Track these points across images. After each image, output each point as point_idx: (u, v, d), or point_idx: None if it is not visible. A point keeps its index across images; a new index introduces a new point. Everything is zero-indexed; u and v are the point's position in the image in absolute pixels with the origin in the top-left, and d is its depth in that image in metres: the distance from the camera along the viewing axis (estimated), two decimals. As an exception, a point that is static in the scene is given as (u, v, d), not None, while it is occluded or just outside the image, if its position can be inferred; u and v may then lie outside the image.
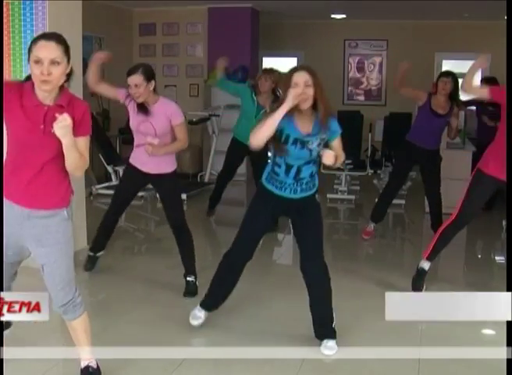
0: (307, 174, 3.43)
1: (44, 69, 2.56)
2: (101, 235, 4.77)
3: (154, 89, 4.24)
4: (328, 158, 3.28)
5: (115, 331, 3.78)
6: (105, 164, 8.06)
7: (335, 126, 3.41)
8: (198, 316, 3.80)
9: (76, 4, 4.98)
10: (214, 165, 9.00)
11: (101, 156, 8.08)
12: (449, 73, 5.60)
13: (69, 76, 2.72)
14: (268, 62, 11.75)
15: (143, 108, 4.24)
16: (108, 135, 8.67)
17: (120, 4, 9.34)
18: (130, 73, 4.21)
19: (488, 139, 4.29)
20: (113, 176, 8.02)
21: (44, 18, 4.59)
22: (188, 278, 4.44)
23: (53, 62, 2.57)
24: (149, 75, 4.21)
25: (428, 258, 4.46)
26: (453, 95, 5.49)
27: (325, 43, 11.08)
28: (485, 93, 4.25)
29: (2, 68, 4.58)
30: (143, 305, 4.25)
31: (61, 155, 2.68)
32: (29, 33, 4.62)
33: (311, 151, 3.35)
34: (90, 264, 4.81)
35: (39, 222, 2.77)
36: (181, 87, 9.84)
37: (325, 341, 3.55)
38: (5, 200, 2.76)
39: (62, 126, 2.53)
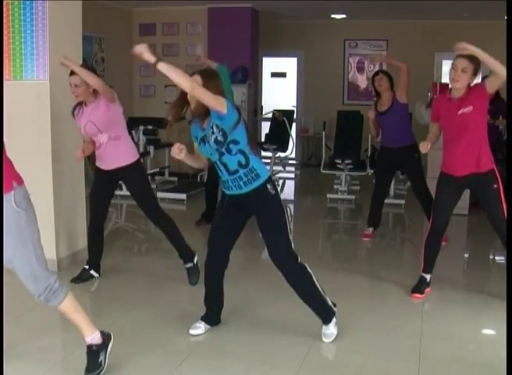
0: (235, 165, 3.37)
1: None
2: (92, 250, 4.69)
3: (94, 91, 4.26)
4: (138, 47, 3.25)
5: (115, 330, 3.76)
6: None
7: (214, 113, 3.27)
8: (197, 326, 3.78)
9: (76, 4, 4.98)
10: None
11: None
12: (378, 72, 5.87)
13: None
14: (268, 62, 11.78)
15: (77, 105, 4.35)
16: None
17: (120, 4, 9.34)
18: (71, 73, 4.23)
19: (490, 138, 4.29)
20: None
21: (44, 18, 4.59)
22: (186, 265, 4.52)
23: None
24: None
25: (425, 271, 4.50)
26: (392, 87, 5.69)
27: (325, 43, 11.09)
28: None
29: (2, 68, 4.58)
30: (143, 304, 4.25)
31: None
32: (29, 33, 4.62)
33: (208, 142, 3.33)
34: (79, 278, 4.64)
35: None
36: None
37: (323, 328, 3.63)
38: None
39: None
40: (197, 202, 7.67)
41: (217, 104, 3.21)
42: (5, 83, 4.36)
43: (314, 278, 3.56)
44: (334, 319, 3.65)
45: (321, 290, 3.59)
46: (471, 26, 9.98)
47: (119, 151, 4.37)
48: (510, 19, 3.99)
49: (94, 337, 3.07)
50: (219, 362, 3.43)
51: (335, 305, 3.67)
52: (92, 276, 4.69)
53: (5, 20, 4.61)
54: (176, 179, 9.09)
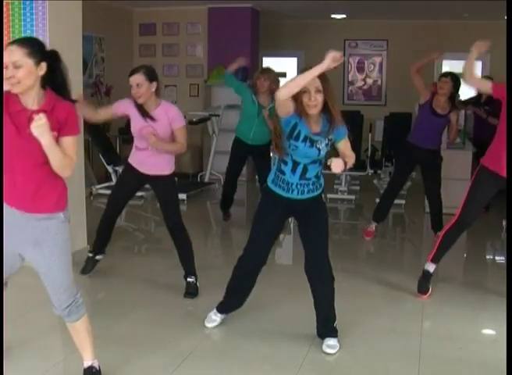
0: (313, 174, 3.45)
1: (6, 73, 2.62)
2: (100, 237, 4.74)
3: (157, 92, 4.24)
4: (338, 165, 3.24)
5: (116, 331, 3.78)
6: (105, 164, 8.07)
7: (342, 128, 3.40)
8: (213, 318, 3.82)
9: (76, 4, 4.98)
10: (214, 165, 9.00)
11: (101, 156, 8.09)
12: (447, 74, 5.61)
13: (46, 77, 2.71)
14: (268, 62, 11.76)
15: (143, 112, 4.24)
16: (108, 135, 8.68)
17: (120, 4, 9.34)
18: (132, 72, 4.22)
19: (486, 136, 4.29)
20: (113, 176, 8.02)
21: (44, 18, 4.59)
22: (188, 279, 4.44)
23: (15, 66, 2.61)
24: (151, 76, 4.22)
25: (433, 261, 4.44)
26: (453, 96, 5.53)
27: (325, 43, 11.06)
28: (488, 87, 4.11)
29: (2, 68, 4.57)
30: (143, 305, 4.25)
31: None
32: (29, 33, 4.62)
33: (319, 150, 3.35)
34: (88, 266, 4.75)
35: (37, 224, 2.78)
36: (181, 87, 9.84)
37: (326, 339, 3.57)
38: (5, 205, 2.78)
39: (38, 125, 2.55)
40: (198, 202, 7.68)
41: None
42: (5, 83, 4.36)
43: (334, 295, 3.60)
44: (337, 338, 3.61)
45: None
46: (471, 26, 9.98)
47: (163, 160, 4.34)
48: (510, 19, 4.00)
49: (95, 362, 3.07)
50: (219, 362, 3.43)
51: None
52: (97, 261, 4.77)
53: (5, 20, 4.61)
54: (175, 179, 9.07)
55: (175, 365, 3.33)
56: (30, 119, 2.60)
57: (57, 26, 4.69)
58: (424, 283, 4.44)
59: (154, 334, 3.75)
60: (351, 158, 3.43)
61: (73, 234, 5.07)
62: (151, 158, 4.32)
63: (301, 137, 3.31)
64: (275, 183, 3.49)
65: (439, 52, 5.71)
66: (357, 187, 8.73)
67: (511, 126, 3.84)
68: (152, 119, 4.22)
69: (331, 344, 3.54)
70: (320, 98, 3.24)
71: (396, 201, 7.72)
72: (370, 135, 8.66)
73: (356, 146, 8.57)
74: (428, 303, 4.36)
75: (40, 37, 4.58)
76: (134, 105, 4.27)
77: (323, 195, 3.59)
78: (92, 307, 4.36)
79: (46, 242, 2.80)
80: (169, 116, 4.23)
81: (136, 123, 4.30)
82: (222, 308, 3.84)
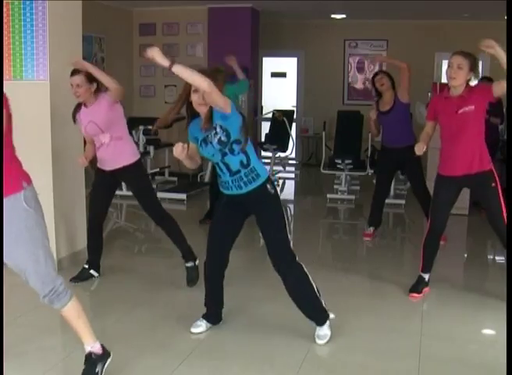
0: (237, 165, 3.38)
1: None
2: (90, 246, 4.71)
3: (97, 91, 4.31)
4: (150, 50, 3.12)
5: (115, 331, 3.77)
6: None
7: (216, 115, 3.30)
8: (198, 324, 3.80)
9: (76, 4, 4.98)
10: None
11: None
12: (377, 72, 5.90)
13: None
14: (268, 62, 11.78)
15: (80, 105, 4.35)
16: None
17: (120, 4, 9.35)
18: (73, 73, 4.25)
19: (487, 136, 4.29)
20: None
21: (44, 18, 4.59)
22: (187, 264, 4.51)
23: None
24: (91, 77, 4.24)
25: (423, 271, 4.50)
26: (393, 87, 5.72)
27: (325, 43, 11.09)
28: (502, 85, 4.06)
29: (2, 68, 4.58)
30: (143, 305, 4.25)
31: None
32: (29, 33, 4.62)
33: (211, 143, 3.33)
34: (81, 276, 4.65)
35: (3, 211, 2.70)
36: (181, 87, 9.80)
37: (316, 329, 3.61)
38: None
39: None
40: (197, 202, 7.68)
41: (225, 104, 3.23)
42: (5, 83, 4.35)
43: (310, 278, 3.55)
44: (328, 322, 3.64)
45: (316, 291, 3.58)
46: (471, 26, 9.97)
47: (121, 151, 4.39)
48: (510, 19, 3.99)
49: (94, 346, 3.03)
50: (219, 362, 3.43)
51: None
52: (92, 276, 4.69)
53: (5, 20, 4.61)
54: (175, 179, 9.09)
55: (175, 365, 3.33)
56: None
57: (57, 26, 4.69)
58: (418, 285, 4.47)
59: (154, 334, 3.75)
60: (197, 75, 3.27)
61: (73, 234, 5.11)
62: (108, 153, 4.38)
63: (199, 143, 3.41)
64: (220, 185, 3.55)
65: (374, 114, 5.77)
66: (357, 187, 8.73)
67: (511, 126, 3.84)
68: (85, 105, 4.33)
69: (319, 335, 3.59)
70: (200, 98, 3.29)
71: (396, 202, 7.76)
72: (370, 135, 8.66)
73: (356, 146, 8.65)
74: (427, 303, 4.36)
75: (40, 38, 4.62)
76: (74, 113, 4.38)
77: (269, 186, 3.45)
78: (92, 307, 4.37)
79: (6, 233, 2.72)
80: (102, 102, 4.30)
81: (83, 126, 4.39)
82: (204, 315, 3.83)
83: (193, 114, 3.42)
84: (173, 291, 4.48)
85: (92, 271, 4.70)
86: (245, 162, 3.38)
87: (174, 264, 4.67)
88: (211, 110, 3.30)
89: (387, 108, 5.68)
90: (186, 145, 3.30)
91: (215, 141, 3.31)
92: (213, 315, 3.83)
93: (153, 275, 4.91)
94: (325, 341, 3.59)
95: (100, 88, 4.34)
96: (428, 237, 4.42)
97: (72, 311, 2.97)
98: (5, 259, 2.81)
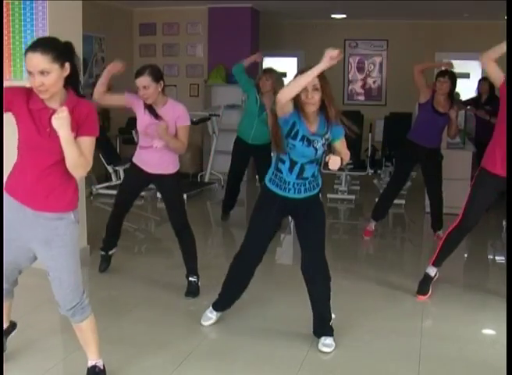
0: (310, 174, 3.44)
1: (34, 80, 2.58)
2: (110, 235, 4.80)
3: (163, 90, 4.24)
4: (335, 163, 3.24)
5: (116, 331, 3.78)
6: (105, 164, 8.07)
7: (339, 127, 3.41)
8: (209, 316, 3.84)
9: (76, 4, 4.98)
10: (214, 165, 9.00)
11: (101, 156, 8.08)
12: (445, 73, 5.61)
13: (70, 78, 2.70)
14: (268, 62, 11.77)
15: (151, 110, 4.23)
16: (108, 135, 8.67)
17: (120, 4, 9.34)
18: (138, 74, 4.19)
19: (488, 137, 4.28)
20: (113, 176, 8.02)
21: (44, 18, 4.59)
22: (190, 278, 4.45)
23: (42, 73, 2.57)
24: (157, 75, 4.18)
25: (434, 264, 4.43)
26: (452, 94, 5.55)
27: (325, 43, 10.98)
28: (498, 77, 3.98)
29: (2, 68, 4.58)
30: (143, 304, 4.25)
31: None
32: (29, 33, 4.62)
33: (316, 149, 3.36)
34: (105, 264, 4.86)
35: (48, 224, 2.78)
36: (181, 87, 9.83)
37: (322, 338, 3.59)
38: (12, 200, 2.78)
39: (59, 117, 2.54)
40: (198, 202, 7.68)
41: None
42: (5, 83, 4.36)
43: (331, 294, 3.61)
44: (333, 337, 3.64)
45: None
46: (471, 26, 9.98)
47: (166, 159, 4.34)
48: (510, 19, 3.99)
49: (99, 362, 3.06)
50: (219, 362, 3.43)
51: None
52: (111, 256, 4.87)
53: (5, 20, 4.61)
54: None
55: (175, 365, 3.33)
56: (51, 118, 2.59)
57: (57, 26, 4.69)
58: (424, 285, 4.44)
59: (154, 334, 3.75)
60: (346, 156, 3.45)
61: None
62: (154, 157, 4.33)
63: (299, 137, 3.32)
64: (272, 181, 3.50)
65: (449, 64, 5.75)
66: (357, 187, 8.73)
67: (511, 127, 3.84)
68: (159, 117, 4.21)
69: (327, 343, 3.57)
70: (317, 96, 3.25)
71: (396, 201, 7.72)
72: (370, 135, 8.66)
73: (356, 146, 8.64)
74: (428, 303, 4.36)
75: (41, 37, 4.62)
76: (143, 103, 4.25)
77: (321, 195, 3.59)
78: (92, 307, 4.36)
79: (55, 242, 2.79)
80: (175, 115, 4.23)
81: (143, 121, 4.29)
82: (218, 306, 3.86)
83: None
84: (173, 290, 4.47)
85: (110, 252, 4.85)
86: (317, 172, 3.49)
87: (174, 264, 4.67)
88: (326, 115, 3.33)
89: (442, 111, 5.53)
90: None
91: (321, 149, 3.37)
92: (227, 303, 3.86)
93: (153, 275, 4.92)
94: (331, 349, 3.56)
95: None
96: (454, 232, 4.29)
97: (90, 324, 3.00)
98: (49, 269, 2.85)
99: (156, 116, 4.21)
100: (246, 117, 6.31)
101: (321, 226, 3.58)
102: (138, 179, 4.50)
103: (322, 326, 3.62)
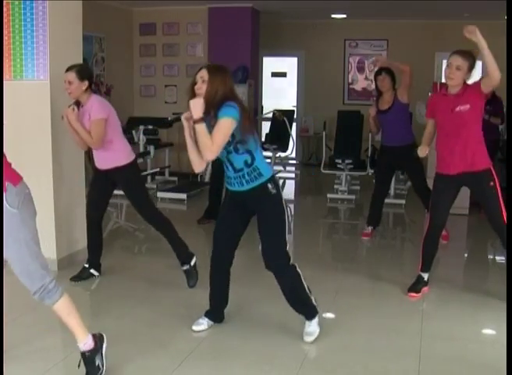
0: (241, 164, 3.39)
1: None
2: (92, 249, 4.72)
3: (88, 89, 4.30)
4: (195, 101, 3.32)
5: (115, 331, 3.77)
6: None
7: (224, 108, 3.30)
8: (200, 322, 3.82)
9: (76, 4, 4.98)
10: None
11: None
12: (381, 71, 5.78)
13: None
14: (268, 62, 11.78)
15: (77, 103, 4.32)
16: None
17: (120, 4, 9.35)
18: (66, 70, 4.28)
19: (487, 136, 4.29)
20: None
21: (45, 18, 4.59)
22: (183, 268, 4.51)
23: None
24: (83, 75, 4.25)
25: (423, 270, 4.50)
26: (394, 87, 5.73)
27: (325, 43, 11.09)
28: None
29: (2, 68, 4.58)
30: (143, 304, 4.25)
31: None
32: (29, 33, 4.62)
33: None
34: (82, 275, 4.65)
35: None
36: (181, 86, 9.82)
37: (306, 325, 3.64)
38: None
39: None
40: (198, 202, 7.67)
41: (226, 135, 3.27)
42: (6, 83, 4.37)
43: (302, 277, 3.58)
44: (316, 318, 3.66)
45: (307, 289, 3.61)
46: (471, 26, 9.97)
47: (111, 154, 4.39)
48: (510, 19, 4.00)
49: (86, 343, 3.05)
50: (219, 362, 3.43)
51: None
52: (92, 275, 4.70)
53: (5, 20, 4.61)
54: (176, 179, 9.09)
55: (175, 365, 3.33)
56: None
57: (57, 26, 4.69)
58: (417, 285, 4.48)
59: (154, 334, 3.75)
60: (207, 141, 3.27)
61: (73, 234, 5.11)
62: (99, 153, 4.40)
63: None
64: (225, 180, 3.60)
65: (373, 111, 5.79)
66: (357, 187, 8.73)
67: (511, 127, 3.84)
68: (79, 110, 4.30)
69: (308, 331, 3.62)
70: (204, 87, 3.36)
71: (396, 201, 7.76)
72: (370, 135, 8.66)
73: (356, 146, 8.65)
74: (427, 303, 4.36)
75: (41, 37, 4.62)
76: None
77: (270, 185, 3.44)
78: (92, 306, 4.37)
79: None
80: (89, 108, 4.28)
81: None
82: (209, 315, 3.84)
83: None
84: (173, 290, 4.48)
85: (92, 270, 4.70)
86: (249, 161, 3.40)
87: (174, 264, 4.66)
88: (215, 106, 3.32)
89: (386, 108, 5.70)
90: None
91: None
92: (216, 312, 3.84)
93: (153, 275, 4.92)
94: (314, 337, 3.60)
95: (92, 87, 4.35)
96: (427, 235, 4.42)
97: (63, 308, 3.01)
98: (4, 256, 2.89)
99: (78, 106, 4.30)
100: None
101: (270, 216, 3.48)
102: (99, 180, 4.55)
103: (300, 311, 3.65)
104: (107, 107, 4.35)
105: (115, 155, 4.40)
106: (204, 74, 3.37)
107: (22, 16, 4.62)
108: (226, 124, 3.24)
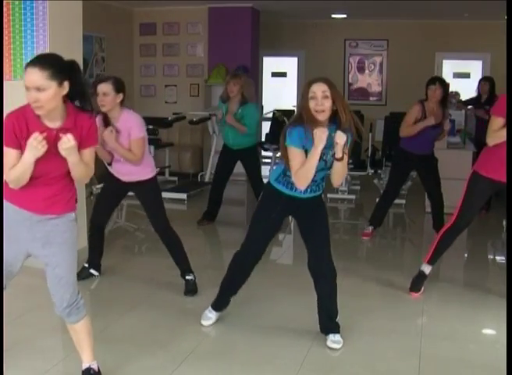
0: (320, 178, 3.48)
1: (30, 96, 2.58)
2: (92, 250, 4.71)
3: (122, 103, 4.25)
4: (340, 136, 3.22)
5: (115, 331, 3.78)
6: (106, 164, 8.05)
7: (348, 135, 3.34)
8: (209, 316, 3.85)
9: (76, 4, 4.98)
10: (214, 164, 8.99)
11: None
12: (435, 80, 5.60)
13: (78, 97, 2.72)
14: (268, 62, 11.78)
15: (107, 121, 4.23)
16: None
17: (120, 3, 9.35)
18: (100, 81, 4.21)
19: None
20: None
21: (45, 18, 4.59)
22: (187, 277, 4.46)
23: (38, 89, 2.57)
24: (119, 86, 4.21)
25: (429, 262, 4.45)
26: (444, 101, 5.55)
27: (325, 43, 11.08)
28: (503, 130, 3.94)
29: (2, 68, 4.58)
30: (143, 304, 4.25)
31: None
32: (29, 33, 4.62)
33: (325, 162, 3.37)
34: (81, 274, 4.58)
35: (48, 222, 2.82)
36: (181, 86, 9.84)
37: (331, 335, 3.62)
38: (11, 205, 2.79)
39: (67, 147, 2.62)
40: (198, 202, 7.67)
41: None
42: (5, 83, 4.37)
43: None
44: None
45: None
46: (471, 26, 9.99)
47: (139, 168, 4.35)
48: (510, 19, 4.00)
49: (93, 364, 3.06)
50: (219, 362, 3.43)
51: None
52: (92, 275, 4.70)
53: (5, 20, 4.61)
54: (176, 179, 9.09)
55: (175, 365, 3.33)
56: (56, 138, 2.63)
57: (57, 26, 4.69)
58: (418, 282, 4.47)
59: (154, 334, 3.75)
60: (346, 170, 3.51)
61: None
62: (126, 167, 4.34)
63: (309, 154, 3.29)
64: (278, 181, 3.51)
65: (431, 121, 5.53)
66: (358, 187, 8.73)
67: (511, 127, 3.83)
68: (117, 131, 4.21)
69: (335, 340, 3.60)
70: (327, 103, 3.23)
71: (396, 201, 7.71)
72: (370, 135, 8.66)
73: (356, 146, 8.63)
74: (428, 303, 4.36)
75: (41, 37, 4.62)
76: (101, 118, 4.22)
77: (323, 195, 3.62)
78: (92, 306, 4.37)
79: (56, 239, 2.83)
80: (128, 127, 4.22)
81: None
82: (216, 306, 3.87)
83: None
84: (173, 290, 4.47)
85: (92, 270, 4.70)
86: (324, 176, 3.52)
87: (174, 264, 4.66)
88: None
89: (436, 122, 5.47)
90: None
91: (330, 160, 3.37)
92: (225, 301, 3.87)
93: (153, 275, 4.92)
94: (340, 345, 3.59)
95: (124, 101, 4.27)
96: (448, 230, 4.36)
97: (85, 326, 2.99)
98: (48, 267, 2.86)
99: (107, 125, 4.21)
100: (226, 126, 6.30)
101: (325, 224, 3.61)
102: (115, 188, 4.51)
103: (330, 324, 3.65)
104: (144, 123, 4.33)
105: (143, 169, 4.37)
106: (325, 89, 3.23)
107: (22, 16, 4.62)
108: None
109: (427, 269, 4.46)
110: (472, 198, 4.23)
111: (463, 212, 4.27)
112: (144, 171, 4.39)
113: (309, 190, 3.47)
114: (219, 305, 3.87)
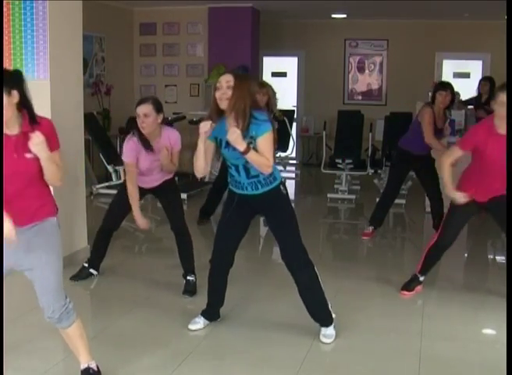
0: (257, 171, 3.41)
1: None
2: (96, 249, 4.72)
3: (162, 122, 4.25)
4: (231, 134, 3.24)
5: (115, 331, 3.78)
6: (106, 164, 8.07)
7: (263, 124, 3.33)
8: (197, 321, 3.84)
9: (76, 4, 4.98)
10: (214, 164, 8.99)
11: (101, 156, 8.10)
12: (446, 86, 5.66)
13: (21, 103, 2.69)
14: (268, 62, 11.77)
15: (148, 146, 4.22)
16: (109, 135, 8.67)
17: (121, 3, 9.35)
18: (140, 102, 4.19)
19: None
20: (113, 176, 8.03)
21: (45, 18, 4.59)
22: (188, 277, 4.46)
23: None
24: (159, 107, 4.20)
25: (421, 273, 4.49)
26: (449, 107, 5.68)
27: (325, 43, 11.09)
28: (446, 171, 4.11)
29: (2, 68, 4.57)
30: (143, 304, 4.25)
31: (40, 172, 2.74)
32: (29, 33, 4.62)
33: (235, 149, 3.32)
34: (81, 275, 4.67)
35: (29, 230, 2.79)
36: (181, 86, 9.84)
37: (322, 328, 3.64)
38: None
39: (37, 142, 2.62)
40: (198, 202, 7.66)
41: (272, 147, 3.37)
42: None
43: (319, 278, 3.61)
44: (333, 324, 3.67)
45: (324, 293, 3.63)
46: (471, 26, 9.99)
47: (164, 174, 4.44)
48: (510, 19, 4.00)
49: (92, 363, 3.05)
50: (219, 362, 3.44)
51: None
52: (91, 275, 4.70)
53: (5, 20, 4.61)
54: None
55: (175, 365, 3.33)
56: (17, 144, 2.64)
57: (57, 26, 4.70)
58: (411, 283, 4.48)
59: (154, 334, 3.75)
60: (263, 160, 3.32)
61: (73, 234, 5.11)
62: (155, 178, 4.42)
63: (223, 145, 3.41)
64: (231, 184, 3.58)
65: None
66: (358, 187, 8.73)
67: (511, 127, 3.83)
68: (152, 150, 4.23)
69: (326, 334, 3.62)
70: (229, 92, 3.29)
71: (396, 201, 7.69)
72: (370, 135, 8.66)
73: (356, 146, 8.65)
74: (428, 303, 4.36)
75: (41, 37, 4.62)
76: (138, 141, 4.22)
77: (281, 187, 3.53)
78: (92, 306, 4.37)
79: (39, 244, 2.80)
80: (172, 142, 4.29)
81: (145, 161, 4.28)
82: (205, 314, 3.86)
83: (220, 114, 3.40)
84: (173, 290, 4.47)
85: (91, 270, 4.70)
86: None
87: (174, 264, 4.66)
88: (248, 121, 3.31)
89: (441, 126, 5.64)
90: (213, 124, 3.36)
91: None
92: (213, 311, 3.86)
93: (153, 275, 4.92)
94: (332, 339, 3.61)
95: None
96: (433, 248, 4.37)
97: (77, 329, 2.98)
98: (34, 273, 2.83)
99: (148, 148, 4.22)
100: None
101: (287, 216, 3.58)
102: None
103: (317, 316, 3.65)
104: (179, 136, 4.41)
105: (165, 173, 4.44)
106: (230, 79, 3.32)
107: (22, 16, 4.62)
108: (270, 138, 3.34)
109: (420, 277, 4.48)
110: (453, 219, 4.26)
111: (445, 231, 4.30)
112: (167, 173, 4.46)
113: (259, 186, 3.45)
114: (208, 314, 3.85)
